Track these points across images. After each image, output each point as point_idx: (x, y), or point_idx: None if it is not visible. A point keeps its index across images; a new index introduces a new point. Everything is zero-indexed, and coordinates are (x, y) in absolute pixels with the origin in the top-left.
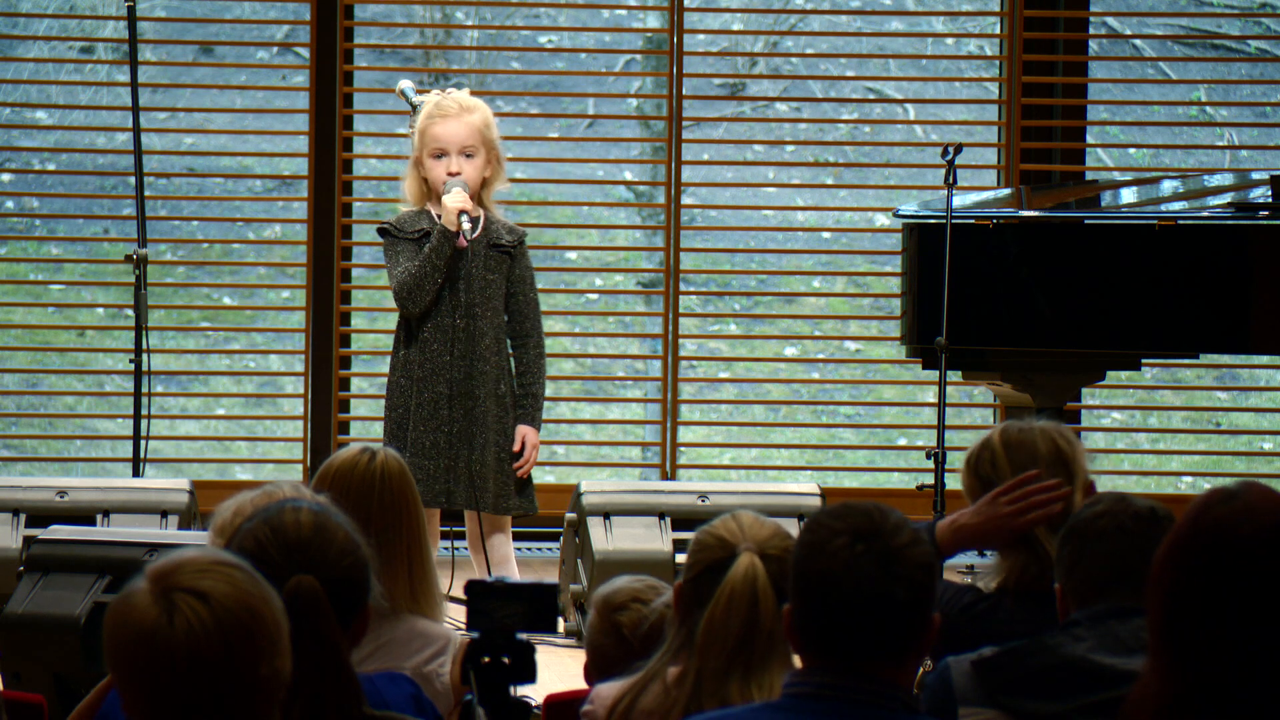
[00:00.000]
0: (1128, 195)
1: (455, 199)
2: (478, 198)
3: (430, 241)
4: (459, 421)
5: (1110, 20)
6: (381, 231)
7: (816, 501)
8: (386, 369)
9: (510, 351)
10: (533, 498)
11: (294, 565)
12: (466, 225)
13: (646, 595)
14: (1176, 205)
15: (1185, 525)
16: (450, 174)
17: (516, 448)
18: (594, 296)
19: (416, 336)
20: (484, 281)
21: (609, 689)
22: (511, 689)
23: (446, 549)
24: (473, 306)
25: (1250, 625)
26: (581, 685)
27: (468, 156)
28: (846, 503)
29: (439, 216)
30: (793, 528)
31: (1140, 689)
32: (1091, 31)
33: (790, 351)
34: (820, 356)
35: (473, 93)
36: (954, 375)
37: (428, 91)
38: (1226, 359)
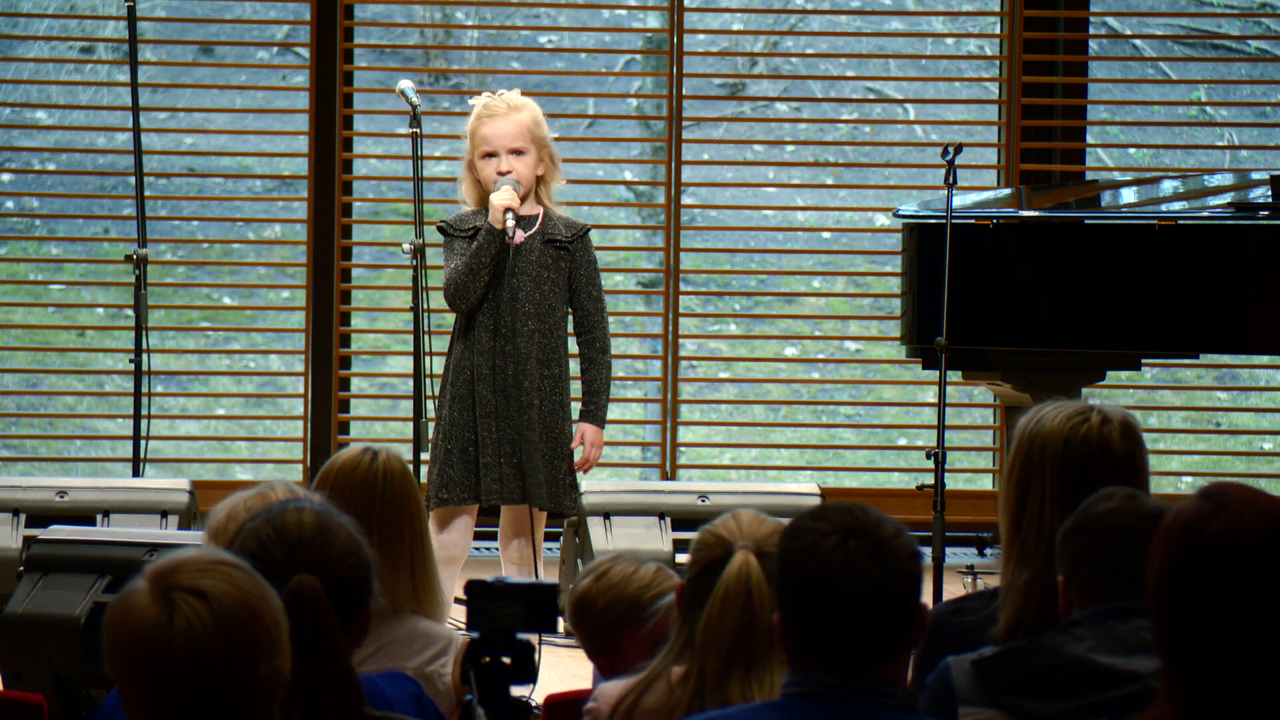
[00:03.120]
0: (1128, 195)
1: (501, 197)
2: (535, 196)
3: (477, 240)
4: (507, 417)
5: (1110, 20)
6: (439, 230)
7: (817, 501)
8: (386, 369)
9: (574, 349)
10: (578, 498)
11: (296, 565)
12: (511, 223)
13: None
14: (1176, 205)
15: (1181, 551)
16: (500, 173)
17: (575, 444)
18: None
19: (469, 332)
20: (538, 278)
21: (613, 687)
22: (511, 689)
23: (479, 549)
24: (523, 304)
25: (1268, 635)
26: (581, 685)
27: (517, 155)
28: (823, 505)
29: None
30: None
31: (1155, 712)
32: (1091, 31)
33: (790, 351)
34: (820, 356)
35: (473, 93)
36: (954, 375)
37: (428, 92)
38: (1226, 359)
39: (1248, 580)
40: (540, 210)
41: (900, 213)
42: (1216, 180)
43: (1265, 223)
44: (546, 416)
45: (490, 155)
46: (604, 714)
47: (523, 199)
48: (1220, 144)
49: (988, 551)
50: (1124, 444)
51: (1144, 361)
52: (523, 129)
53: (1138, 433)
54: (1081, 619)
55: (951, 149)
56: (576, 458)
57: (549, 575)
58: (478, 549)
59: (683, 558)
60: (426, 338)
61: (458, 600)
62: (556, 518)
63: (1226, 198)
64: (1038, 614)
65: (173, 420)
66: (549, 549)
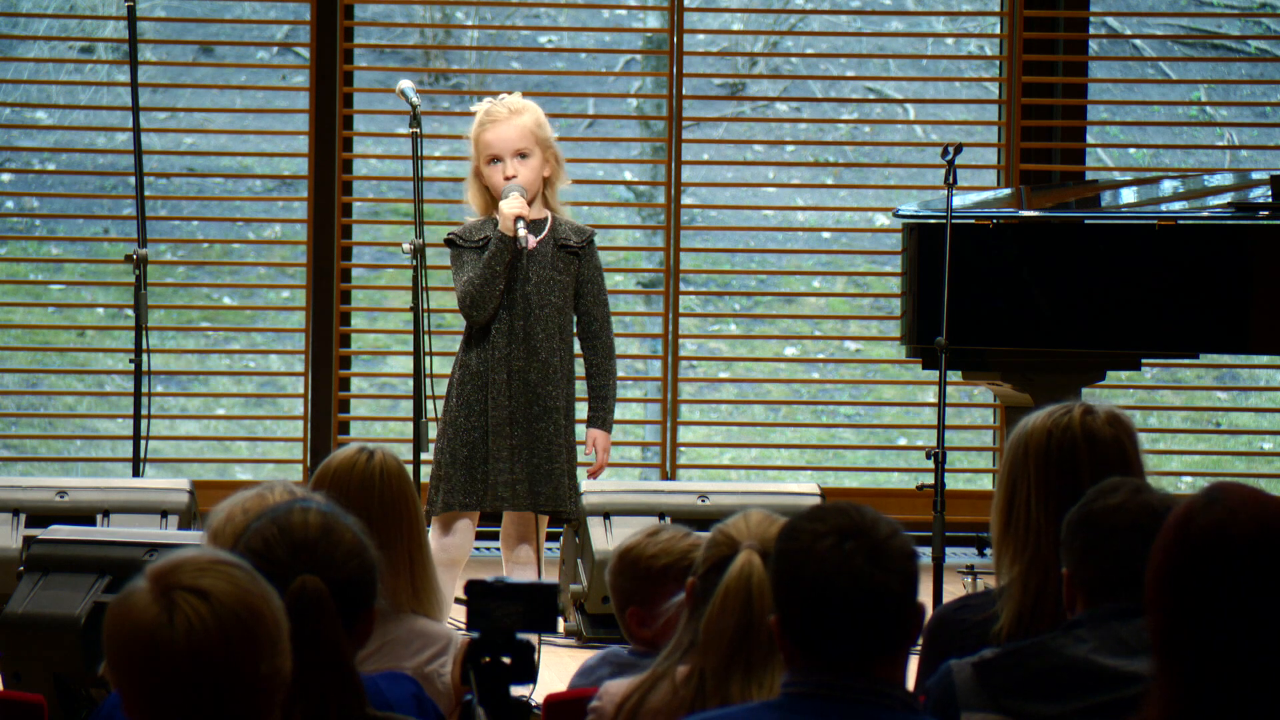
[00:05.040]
0: (1128, 195)
1: (511, 205)
2: (541, 198)
3: (489, 249)
4: (523, 423)
5: (1110, 20)
6: (448, 242)
7: (817, 501)
8: (386, 369)
9: (578, 352)
10: (580, 502)
11: (300, 565)
12: (523, 231)
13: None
14: (1176, 205)
15: (1172, 542)
16: (507, 178)
17: (588, 450)
18: None
19: (480, 339)
20: (548, 283)
21: (618, 685)
22: (511, 689)
23: (480, 549)
24: (533, 309)
25: (1254, 629)
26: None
27: (522, 158)
28: (820, 505)
29: None
30: None
31: (1147, 711)
32: (1091, 31)
33: (790, 351)
34: (820, 356)
35: (473, 93)
36: (954, 375)
37: (428, 92)
38: (1226, 359)
39: (1238, 572)
40: (548, 214)
41: (900, 213)
42: (1216, 180)
43: (1265, 223)
44: (557, 422)
45: (495, 160)
46: (609, 713)
47: (530, 202)
48: (1220, 144)
49: (987, 551)
50: (1110, 431)
51: (1144, 361)
52: (525, 131)
53: (1127, 425)
54: (1084, 619)
55: (951, 149)
56: (586, 463)
57: (550, 576)
58: (479, 549)
59: None
60: (426, 338)
61: (458, 601)
62: (556, 520)
63: (1226, 198)
64: (1034, 608)
65: (173, 420)
66: (549, 549)
